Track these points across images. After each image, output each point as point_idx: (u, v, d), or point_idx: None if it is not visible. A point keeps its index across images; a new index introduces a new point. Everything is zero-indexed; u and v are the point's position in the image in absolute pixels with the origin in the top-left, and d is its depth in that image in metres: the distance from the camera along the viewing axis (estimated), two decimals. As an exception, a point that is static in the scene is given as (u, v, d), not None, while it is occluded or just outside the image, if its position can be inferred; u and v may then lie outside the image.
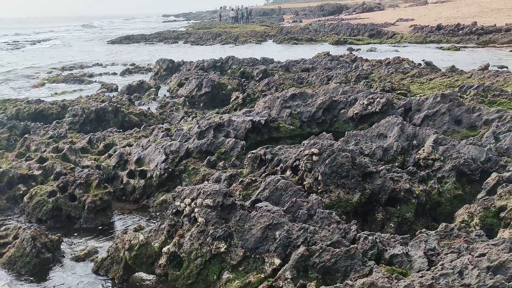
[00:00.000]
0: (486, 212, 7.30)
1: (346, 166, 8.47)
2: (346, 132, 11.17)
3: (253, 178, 9.18)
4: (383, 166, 8.87)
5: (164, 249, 7.19)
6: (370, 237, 5.97)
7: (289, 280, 5.70)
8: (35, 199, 11.10)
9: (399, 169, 9.07)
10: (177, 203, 7.42)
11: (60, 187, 11.05)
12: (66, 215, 10.66)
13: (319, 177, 8.51)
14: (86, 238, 9.74)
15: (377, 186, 8.33)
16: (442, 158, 9.22)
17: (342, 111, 14.83)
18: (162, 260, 7.20)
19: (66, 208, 10.68)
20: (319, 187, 8.49)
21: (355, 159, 8.81)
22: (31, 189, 11.56)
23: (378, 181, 8.39)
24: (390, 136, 10.38)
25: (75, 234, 9.98)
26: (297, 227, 6.31)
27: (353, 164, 8.62)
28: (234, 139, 12.57)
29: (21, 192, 12.17)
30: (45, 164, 13.27)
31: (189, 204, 7.21)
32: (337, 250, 5.74)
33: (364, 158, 8.98)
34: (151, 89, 25.55)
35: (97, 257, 8.41)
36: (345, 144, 10.02)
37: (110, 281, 7.73)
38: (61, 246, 8.99)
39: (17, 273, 8.15)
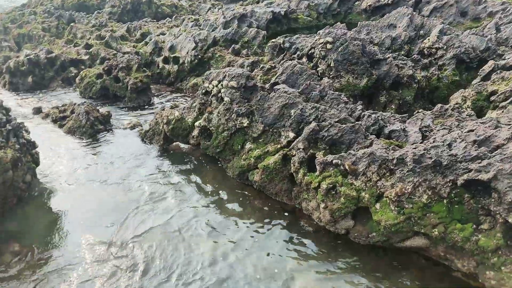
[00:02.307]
0: (478, 96, 7.08)
1: (357, 54, 8.12)
2: (358, 23, 10.48)
3: (273, 65, 8.95)
4: (390, 54, 8.46)
5: (196, 123, 7.38)
6: (373, 115, 5.95)
7: (301, 149, 5.86)
8: (85, 80, 11.22)
9: (405, 57, 8.65)
10: (206, 84, 7.39)
11: (106, 70, 11.06)
12: (113, 94, 10.84)
13: (332, 64, 8.24)
14: (131, 114, 10.02)
15: (383, 72, 8.05)
16: (445, 47, 8.69)
17: (356, 3, 13.78)
18: (195, 133, 7.44)
19: (112, 89, 10.82)
20: (331, 73, 8.27)
21: (365, 47, 8.39)
22: (81, 72, 11.63)
23: (384, 67, 8.08)
24: (399, 26, 9.71)
25: (122, 110, 10.25)
26: (310, 106, 6.29)
27: (363, 52, 8.24)
28: (256, 29, 12.00)
29: (73, 74, 12.29)
30: (90, 50, 13.14)
31: (216, 86, 7.19)
32: (344, 125, 5.78)
33: (373, 47, 8.52)
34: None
35: (141, 129, 8.73)
36: (357, 33, 9.45)
37: (153, 148, 8.12)
38: (111, 120, 9.31)
39: (78, 139, 8.60)
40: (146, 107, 10.42)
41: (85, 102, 9.39)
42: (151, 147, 8.15)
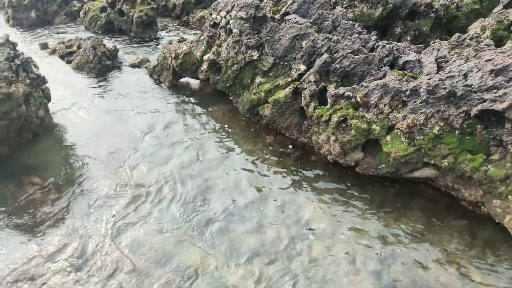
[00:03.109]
0: (499, 25, 6.72)
1: (372, -19, 7.61)
2: None
3: (282, -6, 8.48)
4: (408, -19, 7.92)
5: (205, 57, 7.19)
6: (387, 46, 5.71)
7: (312, 82, 5.74)
8: (89, 14, 10.84)
9: (423, -16, 8.11)
10: (214, 16, 7.09)
11: (109, 3, 10.63)
12: (118, 28, 10.52)
13: (345, -8, 7.78)
14: (138, 48, 9.78)
15: (399, 1, 7.60)
16: (467, -28, 8.09)
17: None
18: (204, 67, 7.28)
19: (117, 22, 10.47)
20: (344, 2, 7.84)
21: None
22: (85, 5, 11.20)
23: (401, -5, 7.61)
24: (419, -50, 8.98)
25: (128, 45, 10.00)
26: (322, 37, 6.05)
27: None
28: (264, -44, 11.21)
29: (76, 8, 11.85)
30: (92, -18, 12.54)
31: (225, 17, 6.89)
32: (356, 57, 5.58)
33: (390, -27, 7.97)
34: None
35: (149, 65, 8.57)
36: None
37: (162, 83, 8.03)
38: (118, 55, 9.12)
39: (86, 74, 8.51)
40: (153, 41, 10.14)
41: (91, 37, 9.14)
42: (160, 83, 8.06)
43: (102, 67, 8.58)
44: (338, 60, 5.67)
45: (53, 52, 9.53)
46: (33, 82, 6.63)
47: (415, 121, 4.72)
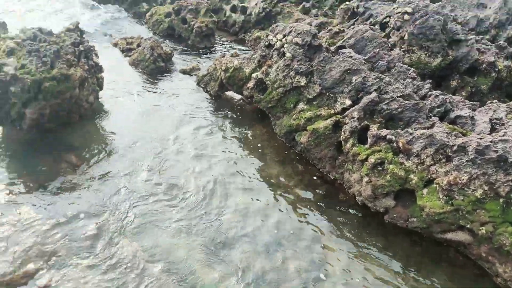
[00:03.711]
0: None
1: (436, 30, 7.40)
2: (444, -3, 9.51)
3: (342, 29, 8.42)
4: (473, 36, 7.64)
5: (253, 75, 7.21)
6: (440, 96, 5.45)
7: (355, 119, 5.56)
8: (154, 17, 11.31)
9: (489, 42, 7.78)
10: (270, 37, 7.13)
11: (175, 10, 11.05)
12: (178, 34, 10.87)
13: (405, 36, 7.59)
14: (191, 56, 10.03)
15: (461, 54, 7.32)
16: (539, 38, 7.70)
17: (446, -24, 12.48)
18: (250, 84, 7.29)
19: (178, 29, 10.83)
20: (402, 46, 7.64)
21: (446, 24, 7.61)
22: (152, 8, 11.72)
23: (463, 49, 7.33)
24: (490, 7, 8.70)
25: (183, 51, 10.28)
26: (374, 75, 5.89)
27: (443, 28, 7.49)
28: (331, -11, 11.31)
29: (144, 9, 12.42)
30: (164, -12, 13.14)
31: (280, 40, 6.91)
32: (406, 101, 5.36)
33: (456, 25, 7.72)
34: None
35: (198, 73, 8.73)
36: (440, 8, 8.59)
37: (207, 93, 8.13)
38: (172, 59, 9.38)
39: (140, 71, 8.80)
40: (207, 51, 10.38)
41: (151, 37, 9.50)
42: (205, 92, 8.16)
43: (156, 67, 8.83)
44: (386, 101, 5.47)
45: (115, 45, 9.97)
46: (90, 69, 6.92)
47: (458, 179, 4.40)
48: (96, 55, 7.34)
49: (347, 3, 9.82)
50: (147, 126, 6.68)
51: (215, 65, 8.21)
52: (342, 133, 5.64)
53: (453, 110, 5.34)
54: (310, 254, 4.52)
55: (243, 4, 11.69)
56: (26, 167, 5.37)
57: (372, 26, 6.83)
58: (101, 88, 7.32)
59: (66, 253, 4.23)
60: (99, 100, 7.23)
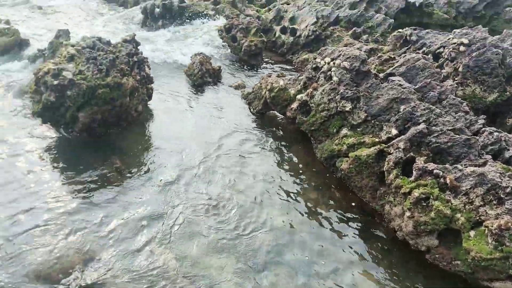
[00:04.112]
0: None
1: (493, 64, 7.06)
2: (504, 31, 9.09)
3: (392, 56, 8.26)
4: (535, 73, 7.21)
5: (298, 96, 7.18)
6: (495, 133, 5.15)
7: (400, 149, 5.35)
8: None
9: (552, 80, 7.31)
10: (318, 60, 7.11)
11: (226, 28, 11.35)
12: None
13: (460, 68, 7.31)
14: (239, 73, 10.20)
15: (519, 91, 6.92)
16: None
17: (507, 9, 11.97)
18: (294, 105, 7.26)
19: (228, 46, 11.11)
20: (456, 78, 7.36)
21: (505, 58, 7.25)
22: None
23: (523, 85, 6.93)
24: (556, 44, 8.18)
25: (231, 68, 10.49)
26: (423, 106, 5.67)
27: (501, 63, 7.14)
28: (384, 16, 11.18)
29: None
30: (218, 6, 13.59)
31: (328, 63, 6.86)
32: (457, 136, 5.10)
33: (516, 60, 7.34)
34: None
35: (244, 90, 8.85)
36: (500, 41, 8.22)
37: (251, 110, 8.20)
38: (220, 75, 9.60)
39: (190, 84, 9.08)
40: (254, 70, 10.52)
41: (201, 53, 9.78)
42: (249, 109, 8.24)
43: (203, 82, 9.06)
44: (436, 134, 5.23)
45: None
46: (142, 79, 7.21)
47: (510, 224, 4.08)
48: (148, 66, 7.66)
49: (399, 30, 9.64)
50: (190, 136, 6.85)
51: (260, 84, 8.29)
52: (386, 163, 5.43)
53: (508, 150, 5.01)
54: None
55: (293, 26, 11.80)
56: (75, 168, 5.64)
57: (424, 55, 6.62)
58: (150, 98, 7.59)
59: (107, 256, 4.33)
60: (148, 106, 7.53)
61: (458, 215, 4.50)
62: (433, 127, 5.33)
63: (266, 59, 11.37)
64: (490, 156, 4.91)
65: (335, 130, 6.49)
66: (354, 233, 5.15)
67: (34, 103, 6.25)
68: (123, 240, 4.56)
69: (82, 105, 6.12)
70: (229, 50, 11.18)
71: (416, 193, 4.81)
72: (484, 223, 4.29)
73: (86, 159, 5.84)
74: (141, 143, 6.46)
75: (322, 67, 6.95)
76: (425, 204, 4.75)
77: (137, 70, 7.10)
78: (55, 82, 5.87)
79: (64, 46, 6.70)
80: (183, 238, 4.67)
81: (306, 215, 5.37)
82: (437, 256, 4.66)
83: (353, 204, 5.70)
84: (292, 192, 5.78)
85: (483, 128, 5.34)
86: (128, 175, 5.66)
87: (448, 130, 5.23)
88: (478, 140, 5.03)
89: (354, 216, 5.47)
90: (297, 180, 6.08)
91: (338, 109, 6.41)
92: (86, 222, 4.75)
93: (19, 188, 5.15)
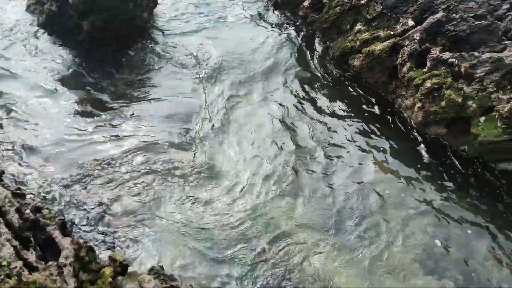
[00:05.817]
0: None
1: None
2: None
3: None
4: None
5: (310, -7, 6.80)
6: (519, 17, 4.80)
7: (416, 40, 5.13)
8: None
9: None
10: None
11: None
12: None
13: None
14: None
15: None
16: None
17: None
18: (306, 3, 6.90)
19: None
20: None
21: None
22: None
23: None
24: None
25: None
26: (444, -7, 5.28)
27: None
28: None
29: None
30: None
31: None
32: (477, 22, 4.81)
33: None
34: None
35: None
36: None
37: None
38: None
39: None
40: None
41: None
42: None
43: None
44: (454, 22, 4.95)
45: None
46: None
47: (522, 108, 4.02)
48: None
49: None
50: (198, 44, 6.65)
51: (271, -18, 7.81)
52: (400, 56, 5.27)
53: (532, 33, 4.72)
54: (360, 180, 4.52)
55: None
56: (84, 81, 5.71)
57: None
58: (155, 5, 7.30)
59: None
60: (153, 15, 7.26)
61: (470, 102, 4.44)
62: (453, 15, 5.03)
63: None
64: (511, 41, 4.65)
65: (348, 26, 6.22)
66: (370, 124, 5.18)
67: (38, 15, 6.20)
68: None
69: (83, 12, 6.02)
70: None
71: (428, 83, 4.73)
72: (495, 108, 4.24)
73: (95, 71, 5.88)
74: (150, 55, 6.33)
75: (336, -43, 6.43)
76: (436, 94, 4.69)
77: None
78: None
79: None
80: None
81: (322, 113, 5.40)
82: (445, 143, 4.72)
83: (367, 99, 5.61)
84: (304, 92, 5.75)
85: (508, 13, 4.99)
86: (136, 82, 5.73)
87: (469, 17, 4.92)
88: (499, 25, 4.74)
89: (369, 109, 5.43)
90: (308, 77, 5.99)
91: (352, 3, 6.07)
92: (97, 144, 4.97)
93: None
